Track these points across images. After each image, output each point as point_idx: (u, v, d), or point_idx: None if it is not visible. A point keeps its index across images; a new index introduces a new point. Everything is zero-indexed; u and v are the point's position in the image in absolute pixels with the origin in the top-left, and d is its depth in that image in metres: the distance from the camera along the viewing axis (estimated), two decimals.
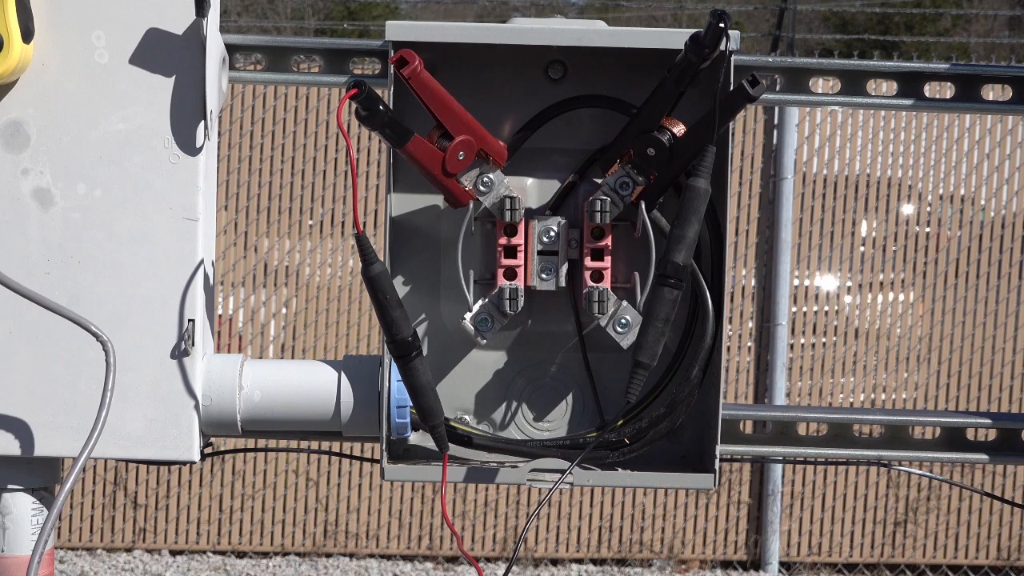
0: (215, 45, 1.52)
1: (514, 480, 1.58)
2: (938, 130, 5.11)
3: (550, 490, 1.56)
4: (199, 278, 1.52)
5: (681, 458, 1.64)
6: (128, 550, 5.09)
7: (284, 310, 5.14)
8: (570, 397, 1.63)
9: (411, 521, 5.11)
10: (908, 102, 1.75)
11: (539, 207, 1.61)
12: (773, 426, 1.75)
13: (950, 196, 5.11)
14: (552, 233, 1.57)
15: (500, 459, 1.60)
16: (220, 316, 5.06)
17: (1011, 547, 5.16)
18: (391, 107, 1.52)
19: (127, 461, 1.54)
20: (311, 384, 1.58)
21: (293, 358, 5.05)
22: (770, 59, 1.75)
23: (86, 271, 1.51)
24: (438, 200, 1.60)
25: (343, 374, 1.58)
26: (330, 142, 5.08)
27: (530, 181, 1.61)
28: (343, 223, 5.13)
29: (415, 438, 1.61)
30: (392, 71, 1.49)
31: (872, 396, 5.07)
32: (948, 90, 1.76)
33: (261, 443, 1.75)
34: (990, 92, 1.78)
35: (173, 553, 5.09)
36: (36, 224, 1.51)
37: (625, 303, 1.55)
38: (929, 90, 1.75)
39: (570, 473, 1.55)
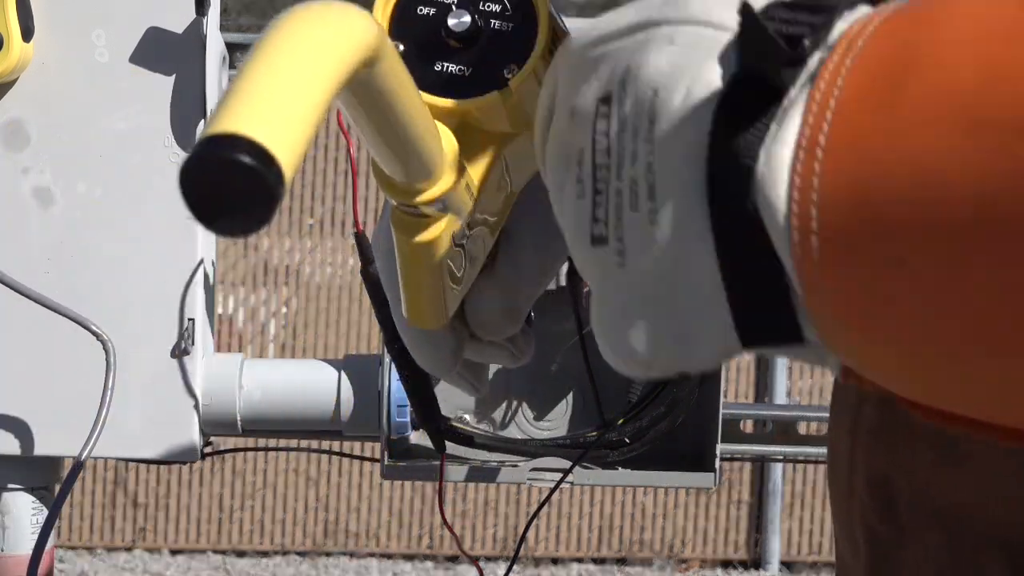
0: (215, 44, 1.52)
1: (514, 479, 1.58)
2: None
3: (551, 489, 1.56)
4: (199, 277, 1.52)
5: (681, 457, 1.64)
6: (128, 549, 5.09)
7: (284, 309, 5.13)
8: (570, 396, 1.63)
9: (411, 520, 5.11)
10: None
11: None
12: (774, 425, 1.75)
13: None
14: None
15: (500, 458, 1.60)
16: (220, 315, 5.06)
17: None
18: None
19: (127, 460, 1.54)
20: (311, 383, 1.58)
21: (293, 357, 5.05)
22: None
23: (86, 270, 1.51)
24: None
25: (343, 373, 1.58)
26: (330, 141, 5.08)
27: None
28: (343, 222, 5.13)
29: (415, 438, 1.61)
30: None
31: None
32: None
33: (261, 442, 1.75)
34: None
35: (173, 552, 5.09)
36: (36, 223, 1.51)
37: None
38: None
39: (571, 472, 1.55)
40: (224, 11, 1.57)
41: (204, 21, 1.47)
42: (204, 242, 1.53)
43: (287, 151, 0.45)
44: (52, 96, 1.50)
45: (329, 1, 0.52)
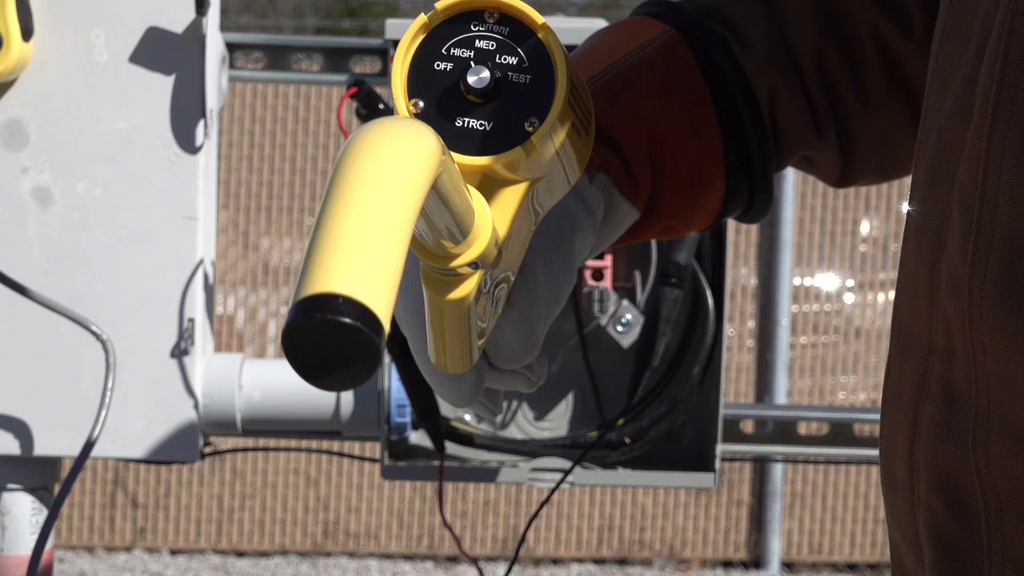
0: (215, 44, 1.52)
1: (515, 480, 1.58)
2: None
3: (552, 490, 1.56)
4: (199, 277, 1.52)
5: (681, 458, 1.64)
6: (128, 549, 5.09)
7: (284, 309, 5.13)
8: (570, 397, 1.63)
9: (411, 520, 5.11)
10: None
11: None
12: (774, 425, 1.75)
13: None
14: None
15: (500, 458, 1.60)
16: (220, 315, 5.06)
17: None
18: (391, 106, 1.51)
19: (127, 460, 1.53)
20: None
21: None
22: None
23: (86, 270, 1.51)
24: None
25: None
26: (331, 141, 5.08)
27: None
28: None
29: (415, 438, 1.61)
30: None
31: (873, 395, 5.07)
32: None
33: (261, 442, 1.75)
34: None
35: (173, 552, 5.09)
36: (36, 223, 1.51)
37: (626, 302, 1.55)
38: None
39: (571, 472, 1.55)
40: (224, 11, 1.57)
41: (204, 21, 1.47)
42: (204, 242, 1.53)
43: (385, 306, 0.45)
44: (52, 96, 1.50)
45: (395, 127, 0.52)
